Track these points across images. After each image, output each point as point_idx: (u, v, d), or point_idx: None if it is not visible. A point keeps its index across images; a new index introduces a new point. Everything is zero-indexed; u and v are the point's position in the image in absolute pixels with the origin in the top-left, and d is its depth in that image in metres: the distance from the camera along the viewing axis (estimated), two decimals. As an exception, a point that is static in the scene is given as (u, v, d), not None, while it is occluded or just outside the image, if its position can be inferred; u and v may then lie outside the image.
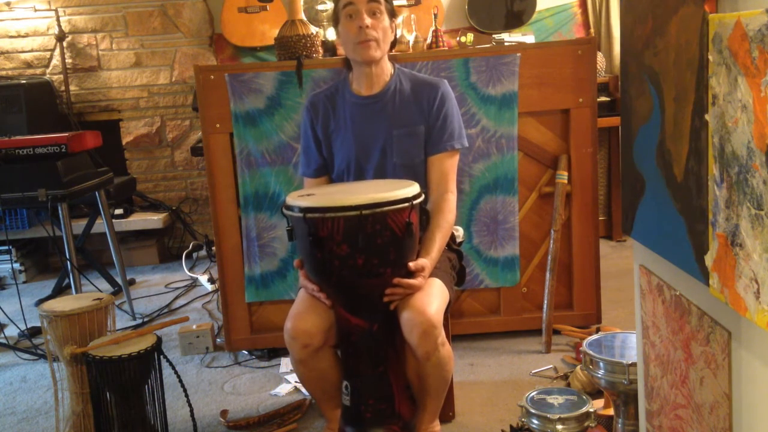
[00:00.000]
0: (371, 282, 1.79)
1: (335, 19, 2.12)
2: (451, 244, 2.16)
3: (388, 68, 2.15)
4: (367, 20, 2.02)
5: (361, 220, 1.71)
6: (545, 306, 2.71)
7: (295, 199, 1.79)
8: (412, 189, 1.82)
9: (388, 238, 1.75)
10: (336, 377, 1.97)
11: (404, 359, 1.93)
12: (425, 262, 1.88)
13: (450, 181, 2.11)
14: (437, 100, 2.11)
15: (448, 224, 2.04)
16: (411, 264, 1.83)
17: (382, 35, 2.06)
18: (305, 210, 1.74)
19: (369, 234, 1.72)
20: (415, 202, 1.79)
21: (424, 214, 1.95)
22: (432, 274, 1.94)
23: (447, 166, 2.11)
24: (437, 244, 1.97)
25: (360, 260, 1.74)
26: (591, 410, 1.79)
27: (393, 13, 2.12)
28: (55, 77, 4.51)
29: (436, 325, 1.81)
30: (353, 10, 2.03)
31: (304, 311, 1.91)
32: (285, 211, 1.82)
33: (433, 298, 1.86)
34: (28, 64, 4.53)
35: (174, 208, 4.60)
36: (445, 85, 2.16)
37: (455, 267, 2.13)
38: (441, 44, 3.74)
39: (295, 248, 2.71)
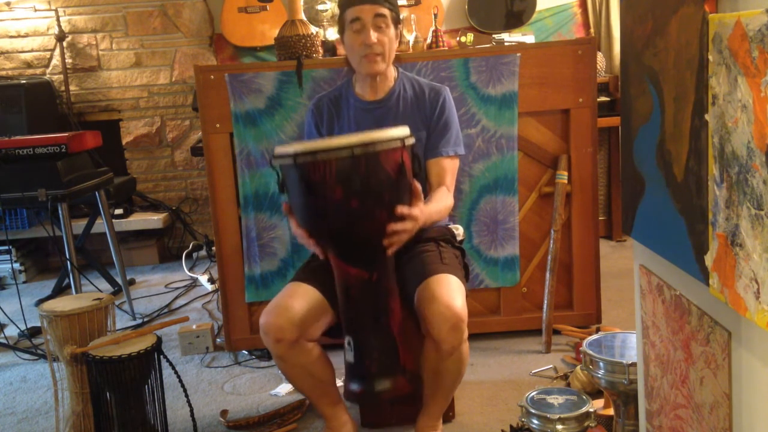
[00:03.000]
0: (367, 226, 1.76)
1: (340, 27, 2.12)
2: (453, 242, 2.17)
3: (392, 73, 2.17)
4: (373, 36, 2.02)
5: (354, 161, 1.69)
6: (545, 306, 2.71)
7: (285, 147, 1.77)
8: (402, 130, 1.80)
9: (382, 179, 1.73)
10: (323, 372, 1.98)
11: (423, 350, 1.93)
12: (417, 210, 1.85)
13: (447, 180, 2.12)
14: (439, 107, 2.15)
15: (444, 198, 2.06)
16: (404, 209, 1.78)
17: (388, 48, 2.07)
18: (296, 155, 1.71)
19: (362, 175, 1.70)
20: (406, 142, 1.78)
21: (416, 159, 1.92)
22: (446, 270, 1.95)
23: (444, 167, 2.13)
24: (433, 202, 1.98)
25: (354, 203, 1.71)
26: (591, 410, 1.79)
27: (398, 20, 2.12)
28: (55, 77, 4.51)
29: (464, 319, 1.83)
30: (359, 25, 2.03)
31: (276, 307, 1.92)
32: (275, 161, 1.79)
33: (456, 293, 1.87)
34: (28, 64, 4.53)
35: (174, 208, 4.60)
36: (447, 91, 2.20)
37: (461, 264, 2.14)
38: (441, 44, 3.74)
39: (295, 249, 2.73)
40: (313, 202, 1.74)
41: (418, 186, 1.84)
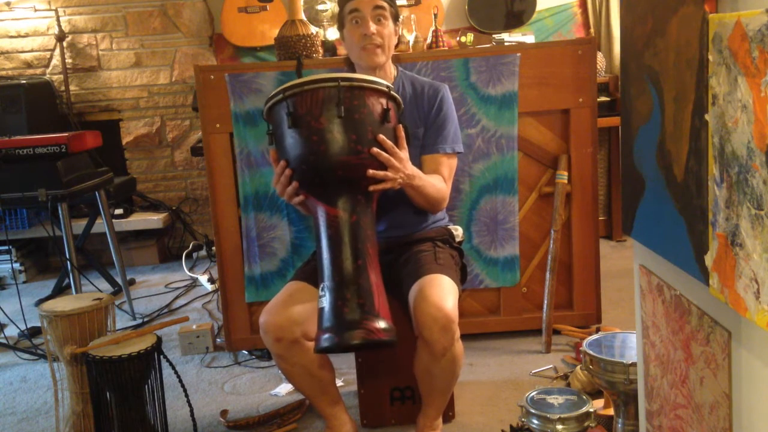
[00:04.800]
0: (349, 160, 1.76)
1: (340, 23, 2.14)
2: (451, 242, 2.17)
3: (391, 71, 2.18)
4: (373, 27, 2.05)
5: (340, 92, 1.73)
6: (545, 306, 2.71)
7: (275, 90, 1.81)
8: (387, 82, 1.86)
9: (366, 116, 1.77)
10: (322, 371, 1.98)
11: (415, 352, 1.92)
12: (403, 153, 1.86)
13: (443, 173, 2.11)
14: (437, 104, 2.14)
15: (437, 180, 2.06)
16: (387, 141, 1.79)
17: (387, 41, 2.09)
18: (285, 89, 1.76)
19: (347, 107, 1.73)
20: (392, 92, 1.83)
21: (416, 139, 1.94)
22: (440, 271, 1.95)
23: (440, 163, 2.12)
24: (424, 175, 1.99)
25: (338, 134, 1.74)
26: (591, 410, 1.79)
27: (397, 17, 2.14)
28: (55, 77, 4.51)
29: (454, 320, 1.83)
30: (359, 16, 2.05)
31: (276, 306, 1.93)
32: (267, 105, 1.82)
33: (448, 294, 1.87)
34: (28, 64, 4.53)
35: (174, 208, 4.60)
36: (446, 89, 2.20)
37: (458, 264, 2.14)
38: (441, 44, 3.74)
39: (295, 249, 2.73)
40: (298, 135, 1.76)
41: (403, 135, 1.86)
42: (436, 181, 2.06)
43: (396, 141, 1.84)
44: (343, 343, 1.68)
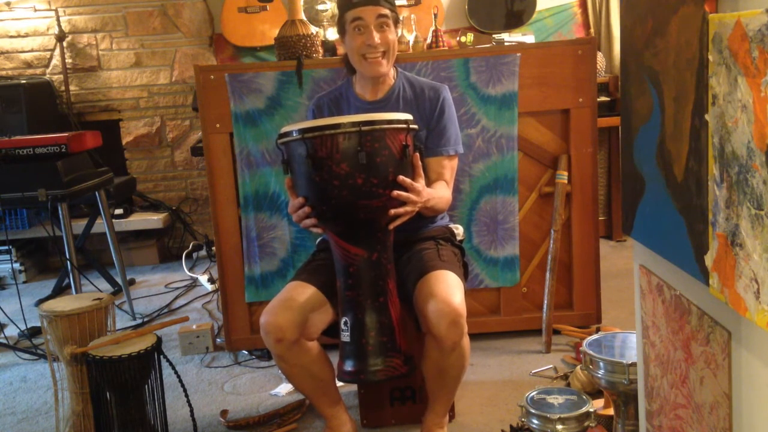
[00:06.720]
0: (371, 204, 1.78)
1: (341, 28, 2.12)
2: (453, 240, 2.18)
3: (391, 73, 2.17)
4: (376, 37, 2.03)
5: (361, 137, 1.72)
6: (545, 306, 2.71)
7: (291, 126, 1.79)
8: (406, 115, 1.85)
9: (387, 158, 1.76)
10: (323, 371, 1.99)
11: (424, 348, 1.94)
12: (420, 185, 1.88)
13: (446, 176, 2.15)
14: (438, 106, 2.16)
15: (443, 189, 2.09)
16: (406, 179, 1.81)
17: (391, 47, 2.09)
18: (304, 131, 1.74)
19: (368, 152, 1.73)
20: (410, 126, 1.83)
21: (418, 141, 1.96)
22: (444, 267, 1.96)
23: (443, 166, 2.16)
24: (432, 189, 2.01)
25: (360, 180, 1.74)
26: (591, 410, 1.79)
27: (397, 20, 2.14)
28: (55, 77, 4.51)
29: (463, 314, 1.84)
30: (361, 25, 2.04)
31: (277, 306, 1.93)
32: (281, 140, 1.81)
33: (455, 289, 1.88)
34: (28, 64, 4.53)
35: (174, 208, 4.60)
36: (447, 90, 2.20)
37: (460, 262, 2.15)
38: (441, 44, 3.74)
39: (295, 249, 2.73)
40: (318, 178, 1.75)
41: (419, 164, 1.87)
42: (444, 192, 2.09)
43: (413, 171, 1.86)
44: (367, 380, 1.83)
